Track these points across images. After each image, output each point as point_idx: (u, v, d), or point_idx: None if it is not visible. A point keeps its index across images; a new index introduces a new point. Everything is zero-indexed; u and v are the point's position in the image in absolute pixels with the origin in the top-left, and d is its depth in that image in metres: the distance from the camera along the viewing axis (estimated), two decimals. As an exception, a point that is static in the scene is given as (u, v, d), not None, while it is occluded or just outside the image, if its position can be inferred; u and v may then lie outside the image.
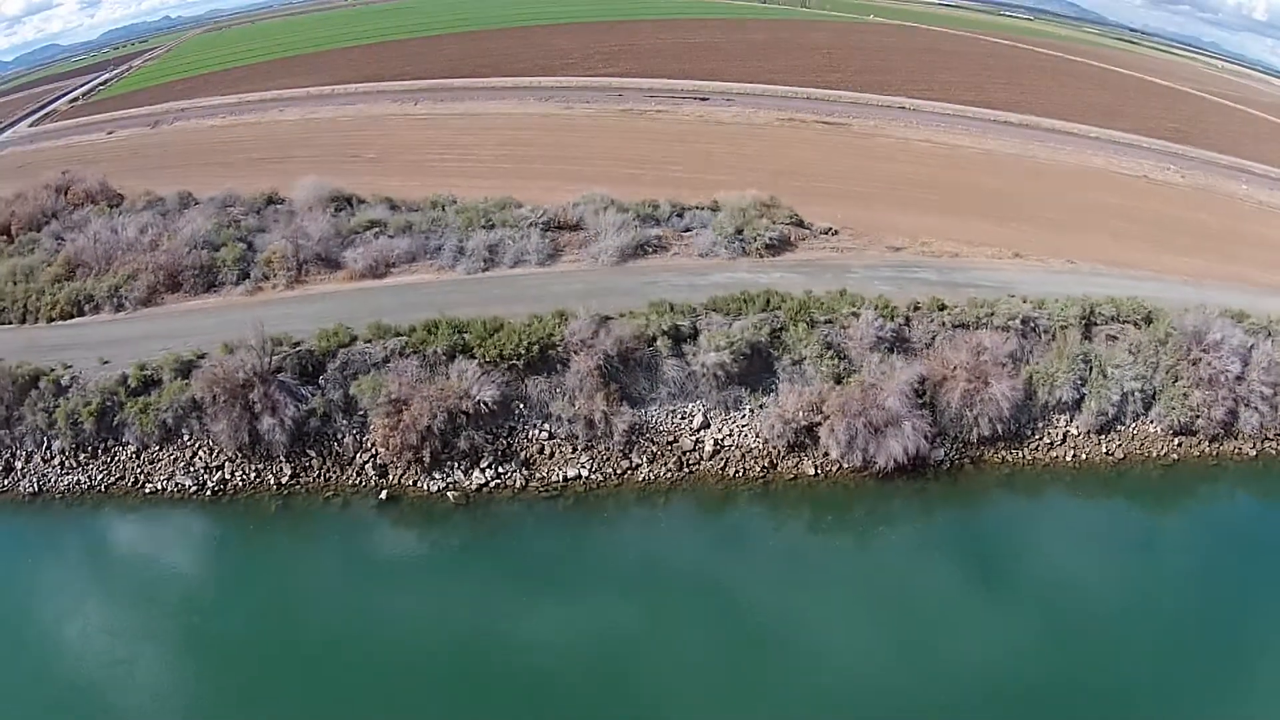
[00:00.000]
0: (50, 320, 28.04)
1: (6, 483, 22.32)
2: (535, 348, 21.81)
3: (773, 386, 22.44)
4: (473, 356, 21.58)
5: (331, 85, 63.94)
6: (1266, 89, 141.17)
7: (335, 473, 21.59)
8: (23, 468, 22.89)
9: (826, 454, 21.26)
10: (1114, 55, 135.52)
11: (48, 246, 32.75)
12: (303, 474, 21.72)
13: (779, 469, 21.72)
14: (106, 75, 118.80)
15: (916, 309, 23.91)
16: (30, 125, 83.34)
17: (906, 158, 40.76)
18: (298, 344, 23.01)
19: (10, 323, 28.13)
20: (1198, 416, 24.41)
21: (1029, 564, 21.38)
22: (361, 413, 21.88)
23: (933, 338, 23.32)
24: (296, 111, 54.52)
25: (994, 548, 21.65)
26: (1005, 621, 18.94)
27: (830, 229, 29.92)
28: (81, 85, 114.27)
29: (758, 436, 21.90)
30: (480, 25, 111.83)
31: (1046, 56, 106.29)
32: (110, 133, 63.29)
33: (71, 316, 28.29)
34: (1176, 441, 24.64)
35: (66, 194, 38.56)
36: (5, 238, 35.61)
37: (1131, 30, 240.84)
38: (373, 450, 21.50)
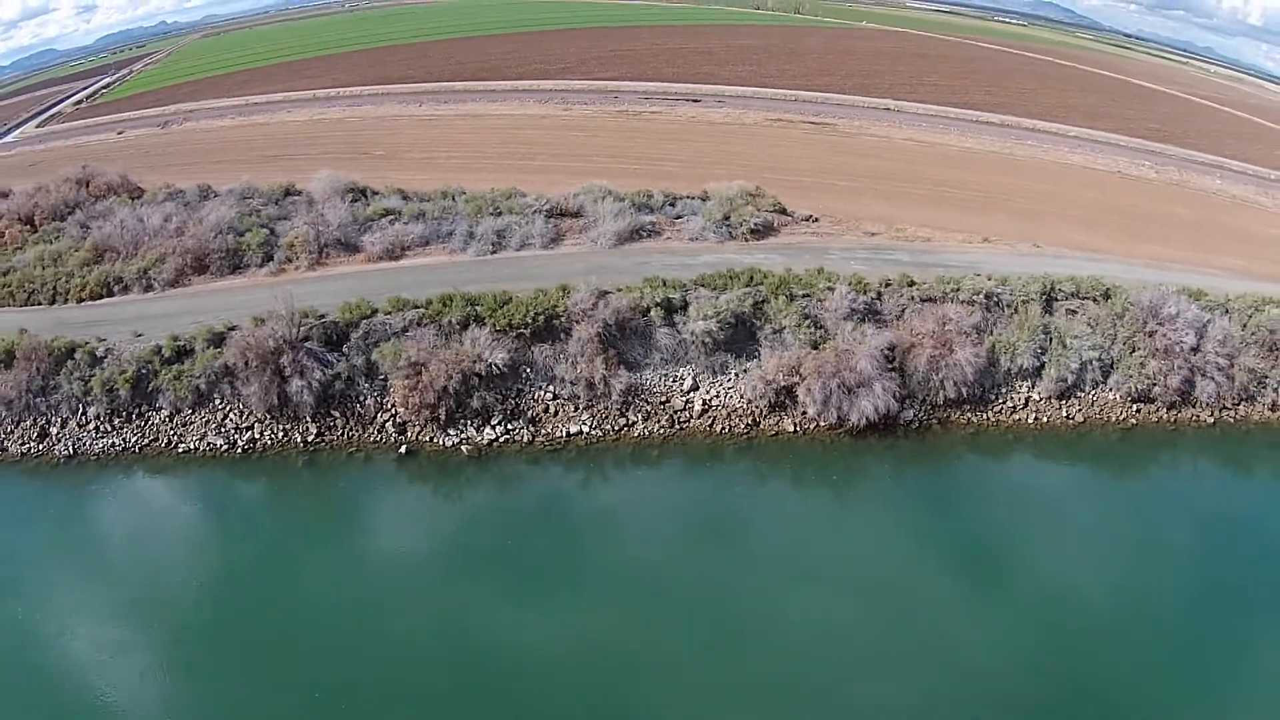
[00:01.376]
0: (80, 301, 30.47)
1: (42, 447, 24.65)
2: (541, 318, 24.58)
3: (755, 353, 25.18)
4: (484, 325, 24.31)
5: (336, 88, 67.08)
6: (1258, 92, 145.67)
7: (357, 431, 24.19)
8: (58, 433, 25.22)
9: (804, 412, 23.97)
10: (1104, 60, 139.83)
11: (74, 234, 35.33)
12: (327, 432, 24.29)
13: (761, 426, 24.45)
14: (109, 79, 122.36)
15: (888, 285, 26.72)
16: (37, 126, 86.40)
17: (888, 154, 43.86)
18: (322, 316, 25.63)
19: (40, 304, 30.54)
20: (1154, 385, 26.94)
21: (992, 516, 23.70)
22: (382, 377, 24.50)
23: (902, 310, 26.14)
24: (304, 112, 57.52)
25: (960, 501, 24.06)
26: (968, 568, 21.14)
27: (811, 216, 32.85)
28: (84, 88, 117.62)
29: (742, 397, 24.67)
30: (477, 31, 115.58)
31: (1034, 61, 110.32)
32: (120, 133, 66.17)
33: (100, 297, 30.76)
34: (1135, 408, 27.20)
35: (88, 187, 41.26)
36: (29, 227, 38.25)
37: (1126, 35, 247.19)
38: (392, 410, 24.13)
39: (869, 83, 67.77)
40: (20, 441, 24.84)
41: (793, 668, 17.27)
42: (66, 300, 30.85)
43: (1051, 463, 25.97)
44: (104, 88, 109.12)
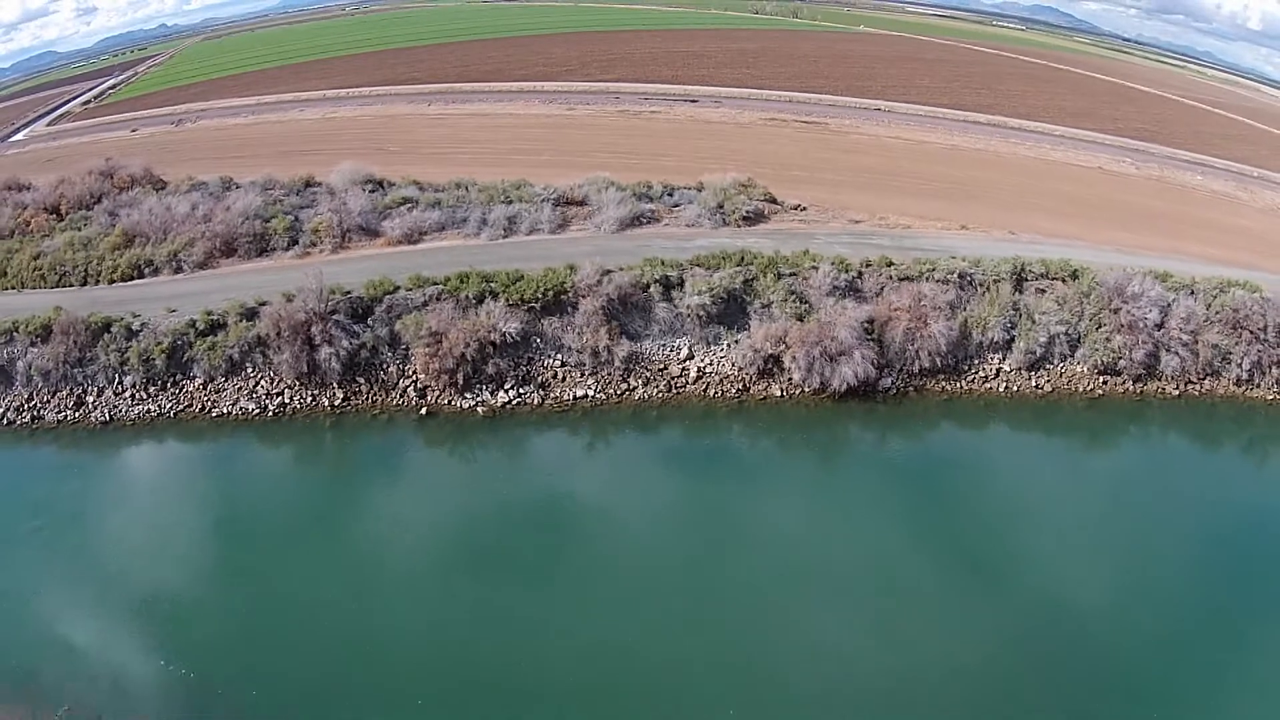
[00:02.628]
0: (111, 282, 33.08)
1: (78, 415, 27.14)
2: (550, 293, 27.44)
3: (746, 325, 27.99)
4: (498, 299, 27.13)
5: (346, 88, 70.21)
6: (1254, 96, 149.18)
7: (381, 395, 26.93)
8: (94, 401, 27.76)
9: (790, 378, 26.75)
10: (1100, 64, 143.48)
11: (102, 221, 37.96)
12: (353, 397, 27.01)
13: (751, 391, 27.26)
14: (114, 80, 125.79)
15: (868, 265, 29.51)
16: (48, 125, 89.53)
17: (875, 151, 46.86)
18: (348, 292, 28.37)
19: (72, 285, 33.13)
20: (1120, 358, 29.56)
21: (964, 477, 26.27)
22: (404, 346, 27.24)
23: (881, 288, 28.92)
24: (316, 111, 60.56)
25: (934, 462, 26.78)
26: (941, 525, 23.27)
27: (799, 205, 35.76)
28: (89, 89, 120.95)
29: (733, 365, 27.46)
30: (479, 35, 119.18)
31: (1029, 64, 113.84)
32: (134, 130, 69.07)
33: (131, 279, 33.38)
34: (1102, 380, 29.86)
35: (112, 178, 44.11)
36: (55, 216, 40.99)
37: (1125, 40, 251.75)
38: (413, 376, 26.88)
39: (861, 85, 71.01)
40: (57, 410, 27.38)
41: (774, 610, 19.38)
42: (98, 282, 33.49)
43: (1021, 429, 28.65)
44: (110, 88, 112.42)
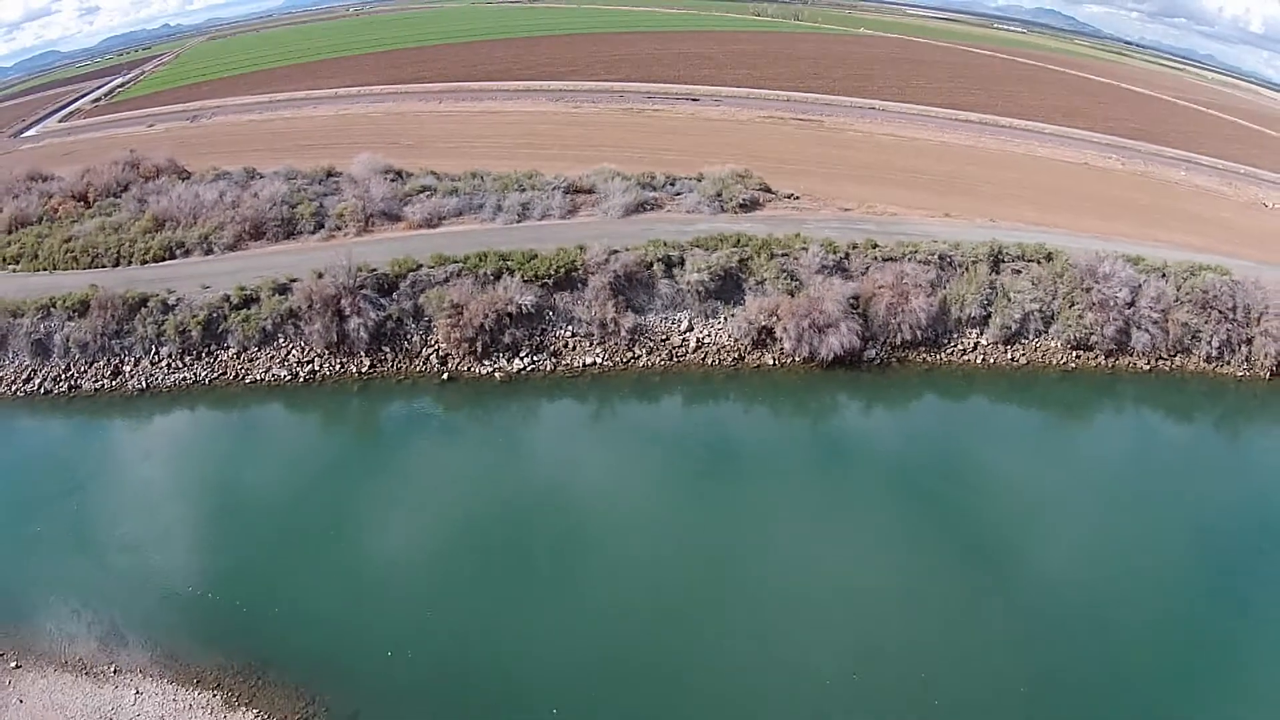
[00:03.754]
0: (144, 263, 35.65)
1: (115, 383, 29.70)
2: (562, 270, 30.43)
3: (741, 300, 30.96)
4: (514, 275, 30.10)
5: (356, 87, 73.37)
6: (1252, 98, 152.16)
7: (405, 363, 29.80)
8: (131, 370, 30.35)
9: (782, 348, 29.67)
10: (1098, 66, 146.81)
11: (132, 207, 40.84)
12: (379, 364, 29.87)
13: (746, 360, 30.22)
14: (122, 78, 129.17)
15: (854, 247, 32.43)
16: (60, 121, 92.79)
17: (867, 146, 49.89)
18: (374, 269, 31.24)
19: (104, 266, 35.54)
20: (1091, 334, 32.28)
21: (943, 438, 29.02)
22: (427, 318, 30.14)
23: (866, 267, 31.84)
24: (329, 108, 63.67)
25: (914, 424, 29.65)
26: (919, 481, 25.82)
27: (792, 195, 38.78)
28: (97, 88, 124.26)
29: (730, 336, 30.44)
30: (485, 36, 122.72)
31: (1027, 66, 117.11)
32: (151, 125, 72.18)
33: (163, 260, 36.08)
34: (1074, 354, 32.60)
35: (138, 168, 47.19)
36: (83, 203, 43.94)
37: (1127, 43, 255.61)
38: (436, 345, 29.80)
39: (858, 85, 74.15)
40: (94, 379, 29.93)
41: (762, 551, 21.76)
42: (130, 263, 36.07)
43: (998, 397, 31.43)
44: (119, 86, 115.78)
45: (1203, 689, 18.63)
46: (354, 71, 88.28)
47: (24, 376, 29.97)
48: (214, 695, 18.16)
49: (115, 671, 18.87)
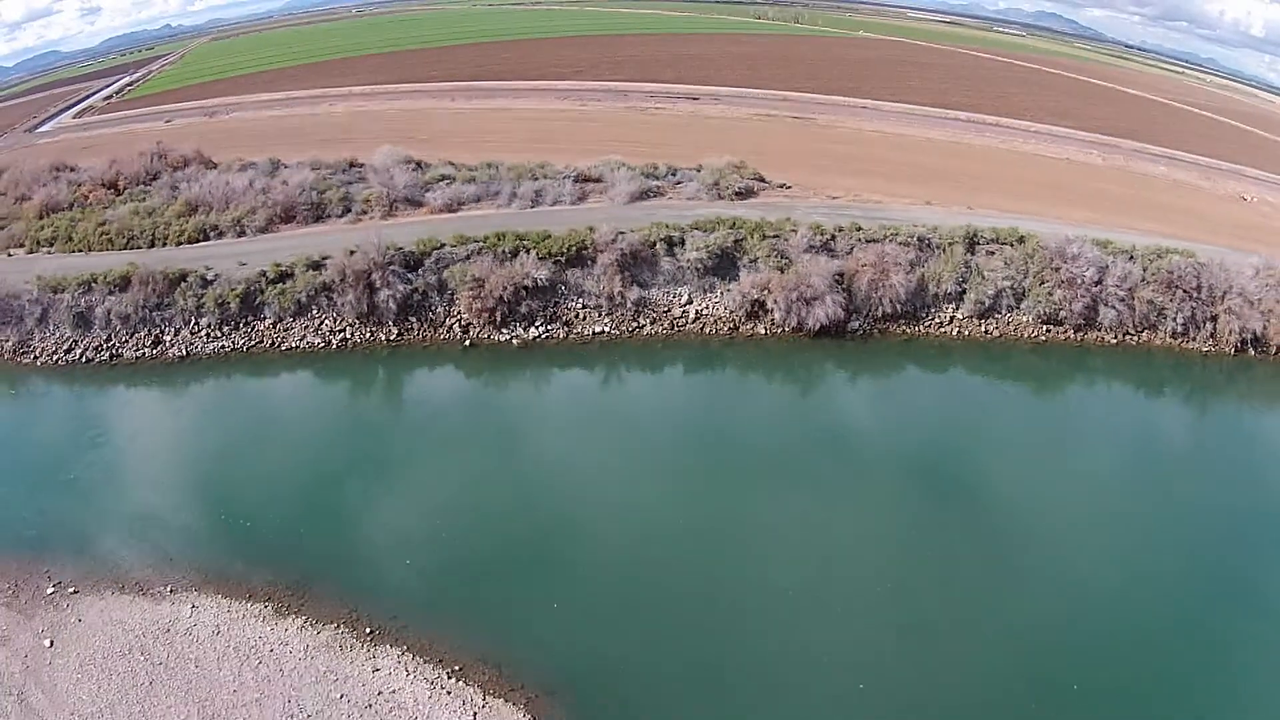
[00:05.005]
0: (178, 244, 38.91)
1: (155, 352, 32.88)
2: (573, 248, 34.17)
3: (736, 276, 34.72)
4: (530, 253, 33.79)
5: (368, 85, 77.32)
6: (1250, 101, 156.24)
7: (430, 331, 33.43)
8: (171, 339, 33.49)
9: (772, 319, 33.37)
10: (1096, 69, 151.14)
11: (164, 194, 44.32)
12: (406, 333, 33.49)
13: (740, 330, 33.98)
14: (130, 77, 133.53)
15: (840, 230, 36.15)
16: (74, 117, 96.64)
17: (856, 142, 53.77)
18: (401, 247, 34.82)
19: (140, 247, 38.62)
20: (1061, 309, 35.74)
21: (919, 400, 32.57)
22: (450, 291, 33.78)
23: (851, 248, 35.54)
24: (344, 106, 67.58)
25: (894, 388, 33.26)
26: (898, 434, 29.56)
27: (785, 184, 42.67)
28: (102, 87, 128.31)
29: (725, 308, 34.19)
30: (491, 37, 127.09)
31: (1023, 68, 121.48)
32: (169, 121, 75.87)
33: (197, 241, 39.32)
34: (1045, 328, 36.06)
35: (165, 158, 50.80)
36: (113, 191, 47.37)
37: (1128, 47, 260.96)
38: (458, 315, 33.47)
39: (852, 86, 78.20)
40: (135, 348, 33.06)
41: (749, 488, 25.04)
42: (165, 244, 39.30)
43: (972, 366, 34.98)
44: (129, 85, 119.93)
45: (1165, 646, 19.85)
46: (365, 71, 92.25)
47: (65, 347, 33.00)
48: (265, 606, 20.72)
49: (171, 591, 21.09)
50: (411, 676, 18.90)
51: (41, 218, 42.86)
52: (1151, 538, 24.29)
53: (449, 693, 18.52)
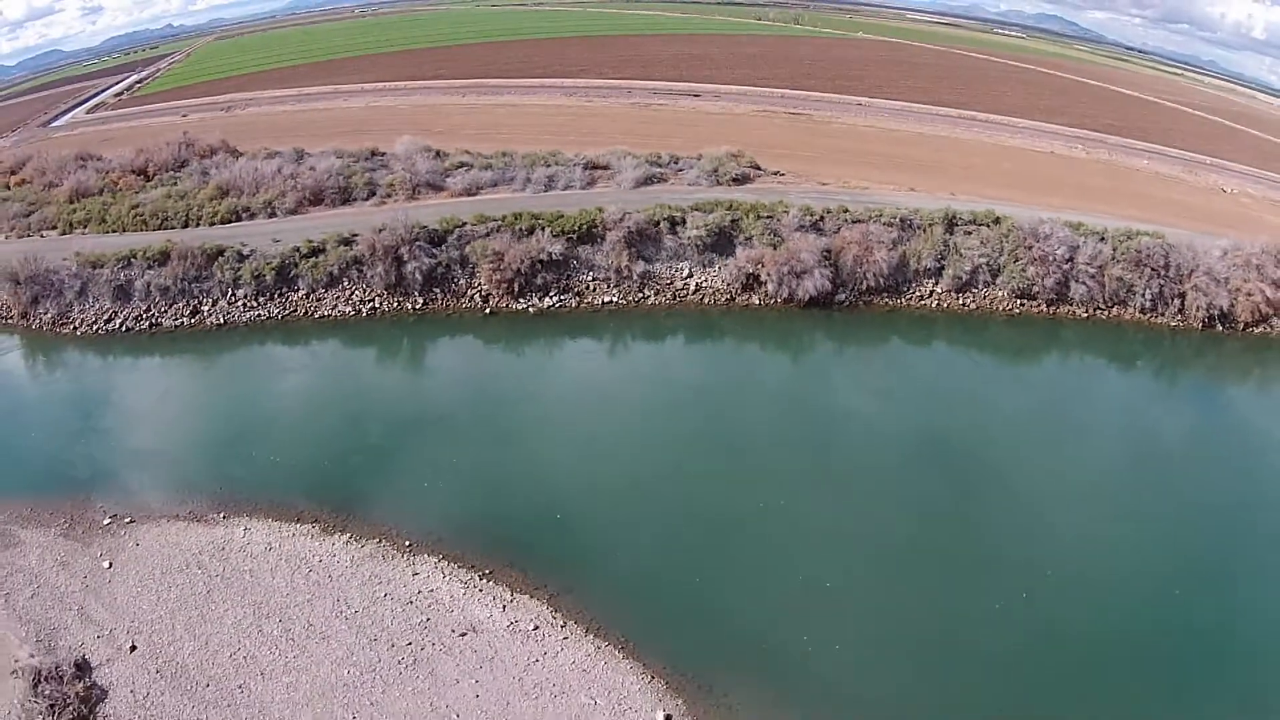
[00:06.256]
0: (211, 225, 42.56)
1: (193, 321, 36.58)
2: (584, 226, 38.18)
3: (732, 252, 38.70)
4: (545, 230, 37.78)
5: (380, 82, 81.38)
6: (1248, 103, 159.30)
7: (453, 302, 37.37)
8: (209, 309, 37.19)
9: (766, 291, 37.28)
10: (1094, 70, 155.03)
11: (195, 179, 48.14)
12: (431, 303, 37.39)
13: (736, 301, 37.98)
14: (137, 75, 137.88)
15: (829, 211, 40.10)
16: (87, 113, 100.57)
17: (849, 136, 57.87)
18: (425, 226, 38.57)
19: (174, 227, 42.21)
20: (1033, 285, 39.37)
21: (900, 364, 36.32)
22: (471, 265, 37.70)
23: (838, 227, 39.46)
24: (358, 101, 71.59)
25: (877, 353, 37.04)
26: (879, 397, 33.24)
27: (779, 172, 46.77)
28: (106, 86, 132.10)
29: (723, 281, 38.20)
30: (497, 37, 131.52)
31: (1019, 69, 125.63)
32: (185, 115, 79.65)
33: (229, 222, 43.03)
34: (1019, 302, 39.73)
35: (193, 147, 54.58)
36: (142, 177, 51.07)
37: (1129, 49, 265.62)
38: (479, 286, 37.43)
39: (849, 84, 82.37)
40: (174, 318, 36.75)
41: (746, 444, 28.47)
42: (199, 224, 42.93)
43: (950, 336, 38.77)
44: (137, 82, 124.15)
45: (1123, 605, 21.49)
46: (375, 68, 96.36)
47: (105, 318, 36.54)
48: (313, 526, 23.99)
49: (224, 518, 23.98)
50: (448, 578, 22.24)
51: (72, 201, 46.72)
52: (1122, 502, 26.42)
53: (481, 590, 21.96)
